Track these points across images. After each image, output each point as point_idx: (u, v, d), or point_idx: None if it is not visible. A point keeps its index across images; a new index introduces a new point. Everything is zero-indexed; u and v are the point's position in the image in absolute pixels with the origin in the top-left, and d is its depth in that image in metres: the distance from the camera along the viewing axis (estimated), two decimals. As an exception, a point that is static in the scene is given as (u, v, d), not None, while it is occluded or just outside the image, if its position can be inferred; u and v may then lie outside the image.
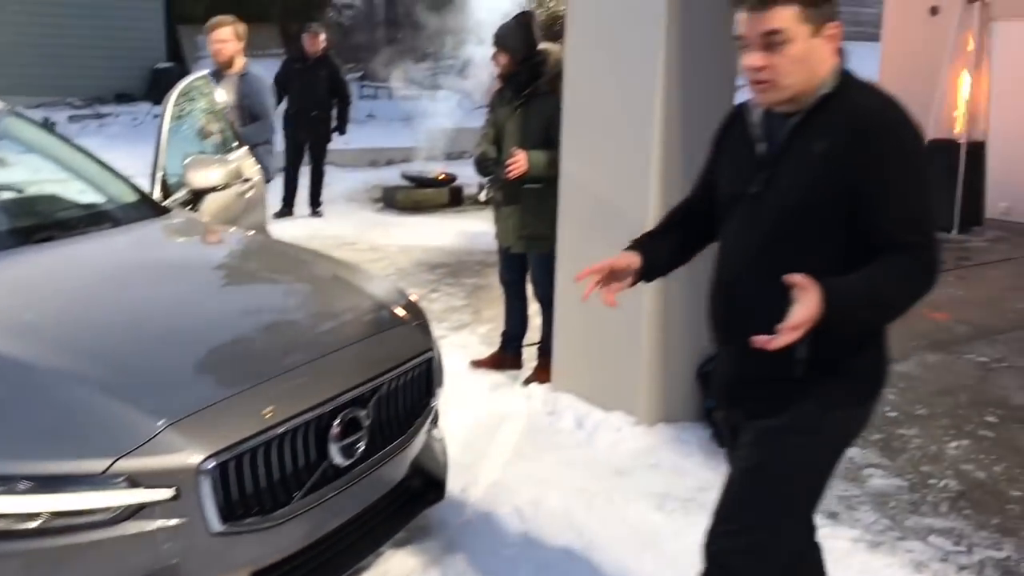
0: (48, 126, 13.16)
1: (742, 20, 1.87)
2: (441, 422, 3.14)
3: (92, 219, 3.19)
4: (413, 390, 2.74)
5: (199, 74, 4.75)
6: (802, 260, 1.80)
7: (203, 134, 4.55)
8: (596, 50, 3.97)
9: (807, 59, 1.85)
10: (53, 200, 3.47)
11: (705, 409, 3.89)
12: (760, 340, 1.72)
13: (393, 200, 9.71)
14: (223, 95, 5.10)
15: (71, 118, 13.25)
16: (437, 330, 4.07)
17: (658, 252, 2.19)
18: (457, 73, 9.93)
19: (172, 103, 4.21)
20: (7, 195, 3.33)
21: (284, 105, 8.78)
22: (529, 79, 4.33)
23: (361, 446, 2.46)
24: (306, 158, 8.90)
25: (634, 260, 2.13)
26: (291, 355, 2.51)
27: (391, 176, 10.71)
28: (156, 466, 2.04)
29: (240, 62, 5.79)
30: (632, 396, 3.99)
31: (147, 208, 3.42)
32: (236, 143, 4.70)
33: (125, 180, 3.61)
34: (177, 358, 2.37)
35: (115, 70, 14.17)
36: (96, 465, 1.99)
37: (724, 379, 2.12)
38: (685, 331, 3.84)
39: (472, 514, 3.25)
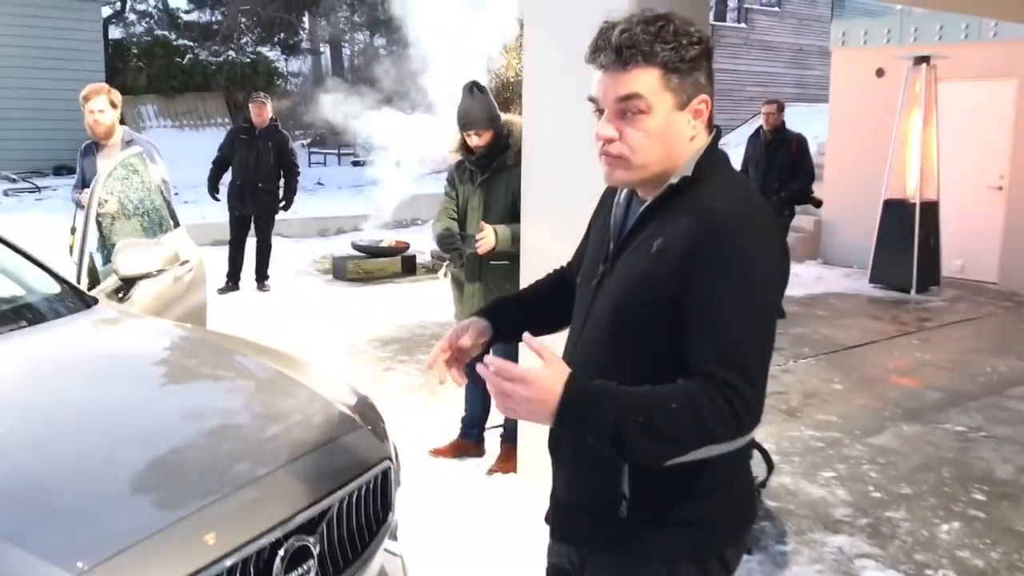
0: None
1: (596, 80, 1.58)
2: (400, 531, 2.82)
3: (1, 316, 2.85)
4: (369, 505, 2.43)
5: (132, 151, 4.44)
6: (615, 364, 1.57)
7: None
8: (555, 113, 3.77)
9: (666, 135, 1.56)
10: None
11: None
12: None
13: (343, 271, 9.42)
14: (161, 171, 4.81)
15: (7, 192, 12.77)
16: (392, 414, 3.76)
17: (511, 319, 1.92)
18: (405, 138, 9.75)
19: (101, 182, 3.90)
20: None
21: (228, 176, 8.52)
22: (495, 152, 4.11)
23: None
24: (252, 230, 8.59)
25: (483, 330, 1.88)
26: (227, 475, 2.18)
27: (341, 245, 10.44)
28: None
29: (119, 132, 5.23)
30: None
31: (69, 301, 3.09)
32: (173, 223, 4.40)
33: (45, 268, 3.28)
34: (91, 484, 2.03)
35: (53, 142, 13.75)
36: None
37: (551, 503, 1.83)
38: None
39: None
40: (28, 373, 2.58)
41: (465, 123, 4.09)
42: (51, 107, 13.89)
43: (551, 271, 2.08)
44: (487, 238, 3.94)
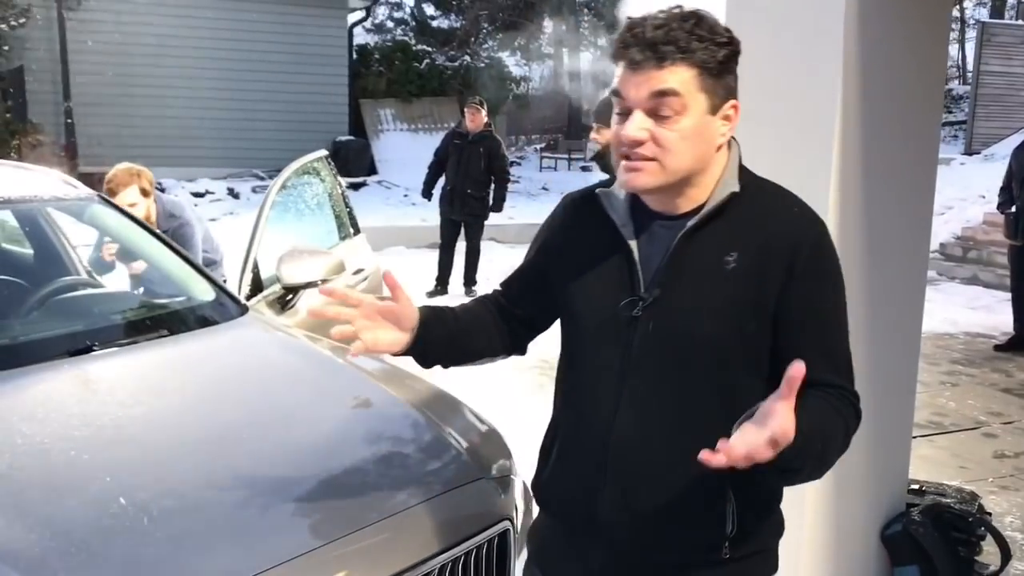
0: (234, 195, 13.80)
1: (623, 78, 1.44)
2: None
3: (144, 325, 2.77)
4: (479, 572, 2.09)
5: (317, 154, 4.38)
6: (715, 403, 1.45)
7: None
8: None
9: (698, 139, 1.44)
10: (111, 300, 3.10)
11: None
12: (705, 455, 1.25)
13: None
14: (201, 230, 4.32)
15: (255, 189, 13.66)
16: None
17: (440, 330, 1.65)
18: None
19: (279, 185, 3.84)
20: (59, 293, 2.98)
21: (442, 181, 8.54)
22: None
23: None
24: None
25: (412, 316, 1.60)
26: (324, 525, 1.93)
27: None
28: None
29: (154, 213, 4.11)
30: (792, 559, 3.15)
31: (219, 309, 2.99)
32: (353, 230, 4.30)
33: (205, 275, 3.22)
34: (157, 533, 1.83)
35: (299, 142, 14.55)
36: None
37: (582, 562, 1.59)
38: (864, 479, 3.01)
39: None
40: (138, 392, 2.45)
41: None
42: (297, 109, 14.73)
43: (477, 297, 1.81)
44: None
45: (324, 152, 4.49)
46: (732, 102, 1.46)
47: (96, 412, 2.29)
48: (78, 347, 2.51)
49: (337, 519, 1.95)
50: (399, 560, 1.90)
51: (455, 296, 8.57)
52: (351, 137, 15.55)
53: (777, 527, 1.62)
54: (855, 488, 3.05)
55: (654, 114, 1.41)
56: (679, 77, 1.40)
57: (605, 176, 1.72)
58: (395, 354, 1.63)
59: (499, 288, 1.77)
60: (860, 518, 3.09)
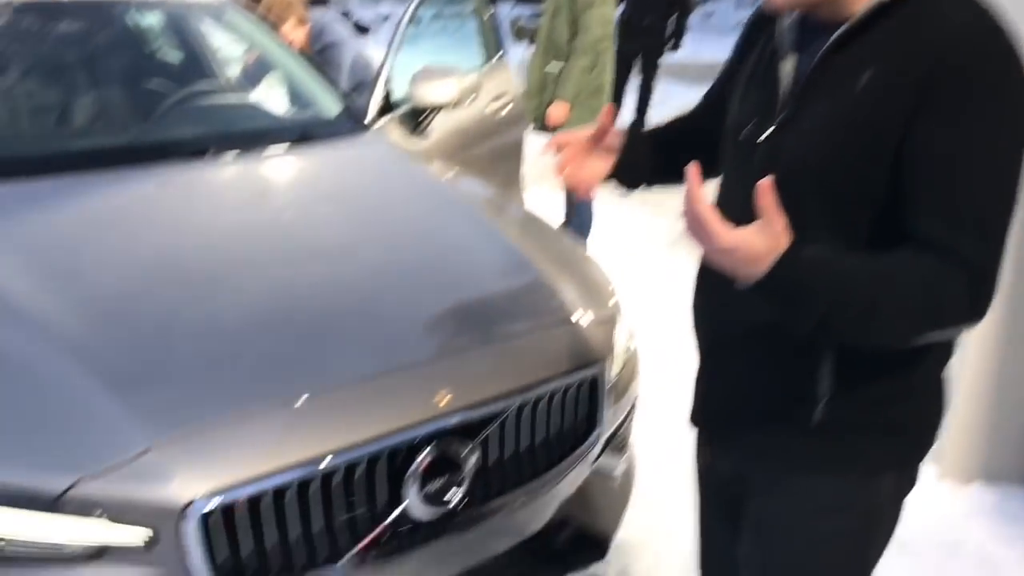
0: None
1: None
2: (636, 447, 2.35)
3: (267, 134, 2.74)
4: (564, 415, 1.97)
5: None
6: (807, 238, 1.18)
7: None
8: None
9: None
10: (237, 108, 3.06)
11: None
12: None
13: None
14: (354, 47, 4.13)
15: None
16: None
17: (635, 157, 1.60)
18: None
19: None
20: (190, 99, 2.96)
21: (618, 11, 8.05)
22: None
23: (459, 494, 1.76)
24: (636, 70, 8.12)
25: (615, 141, 1.58)
26: (390, 352, 1.85)
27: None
28: (131, 498, 1.50)
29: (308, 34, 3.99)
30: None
31: (343, 125, 2.91)
32: (499, 51, 4.07)
33: (333, 88, 3.13)
34: (229, 343, 1.81)
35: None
36: (51, 483, 1.48)
37: (705, 406, 1.51)
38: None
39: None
40: (272, 194, 2.49)
41: None
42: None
43: (673, 117, 1.70)
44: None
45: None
46: None
47: (217, 216, 2.32)
48: (201, 150, 2.53)
49: (430, 344, 1.92)
50: (485, 390, 1.82)
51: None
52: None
53: (904, 402, 1.35)
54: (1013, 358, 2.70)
55: None
56: None
57: None
58: (604, 180, 1.61)
59: (696, 105, 1.67)
60: (1018, 395, 2.75)
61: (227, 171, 2.53)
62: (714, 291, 1.41)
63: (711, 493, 1.62)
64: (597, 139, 1.56)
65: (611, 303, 2.20)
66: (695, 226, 1.13)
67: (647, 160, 1.61)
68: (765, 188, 1.11)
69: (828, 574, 1.42)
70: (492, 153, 3.80)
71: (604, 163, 1.58)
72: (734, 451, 1.48)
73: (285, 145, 2.69)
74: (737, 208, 1.28)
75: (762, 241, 1.12)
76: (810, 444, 1.35)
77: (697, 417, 1.54)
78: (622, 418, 2.17)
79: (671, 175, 1.55)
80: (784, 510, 1.39)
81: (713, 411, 1.49)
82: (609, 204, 5.17)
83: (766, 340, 1.32)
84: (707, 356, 1.50)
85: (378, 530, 1.67)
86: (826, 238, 1.23)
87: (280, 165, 2.64)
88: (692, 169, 1.13)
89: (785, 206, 1.23)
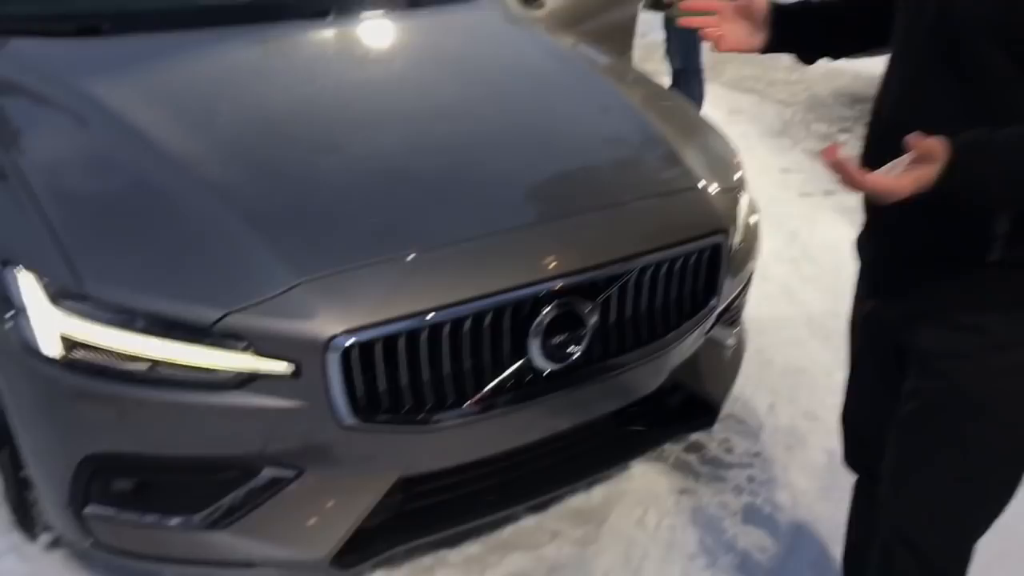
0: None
1: None
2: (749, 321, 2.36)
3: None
4: (684, 282, 1.99)
5: None
6: (967, 112, 1.21)
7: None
8: None
9: None
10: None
11: None
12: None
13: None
14: None
15: None
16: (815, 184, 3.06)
17: (797, 26, 1.58)
18: None
19: None
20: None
21: None
22: None
23: (578, 350, 1.81)
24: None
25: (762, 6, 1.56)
26: (521, 210, 1.88)
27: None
28: (277, 331, 1.59)
29: None
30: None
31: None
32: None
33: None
34: (363, 194, 1.86)
35: None
36: (204, 314, 1.58)
37: (872, 262, 1.50)
38: None
39: (768, 447, 2.48)
40: (390, 55, 2.53)
41: None
42: None
43: None
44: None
45: None
46: None
47: (342, 74, 2.35)
48: (323, 11, 2.55)
49: (555, 203, 1.94)
50: (609, 252, 1.85)
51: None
52: None
53: None
54: None
55: None
56: None
57: None
58: (760, 51, 1.59)
59: None
60: None
61: (349, 31, 2.55)
62: (876, 153, 1.38)
63: (868, 343, 1.59)
64: (741, 9, 1.55)
65: (736, 176, 2.19)
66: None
67: (820, 33, 1.59)
68: (914, 142, 1.12)
69: (998, 406, 1.37)
70: (605, 28, 3.72)
71: (747, 31, 1.57)
72: (907, 296, 1.45)
73: (405, 8, 2.69)
74: (902, 71, 1.30)
75: (923, 170, 1.13)
76: (988, 280, 1.33)
77: (866, 271, 1.53)
78: (738, 290, 2.18)
79: (849, 45, 1.58)
80: (958, 344, 1.36)
81: (885, 258, 1.47)
82: (717, 87, 5.04)
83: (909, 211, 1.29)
84: (874, 211, 1.47)
85: (501, 376, 1.74)
86: (980, 109, 1.21)
87: (402, 27, 2.65)
88: (830, 152, 1.13)
89: (943, 73, 1.24)
